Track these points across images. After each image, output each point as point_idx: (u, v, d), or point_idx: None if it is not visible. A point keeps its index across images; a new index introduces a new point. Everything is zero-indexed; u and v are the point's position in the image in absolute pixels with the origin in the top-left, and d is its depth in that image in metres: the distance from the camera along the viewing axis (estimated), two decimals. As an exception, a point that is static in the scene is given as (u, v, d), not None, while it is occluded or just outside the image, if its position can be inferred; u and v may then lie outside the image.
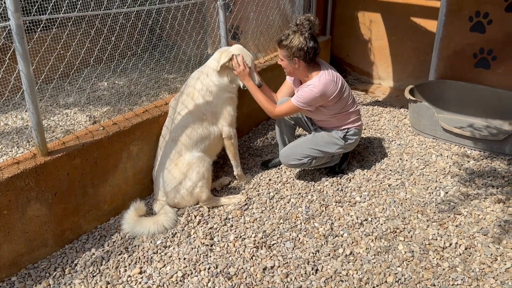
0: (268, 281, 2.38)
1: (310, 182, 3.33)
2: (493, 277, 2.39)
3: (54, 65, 2.83)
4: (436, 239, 2.68)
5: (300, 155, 3.18)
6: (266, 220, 2.90)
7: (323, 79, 2.99)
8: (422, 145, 3.88)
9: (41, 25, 2.41)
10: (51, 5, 2.48)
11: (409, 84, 4.41)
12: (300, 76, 3.13)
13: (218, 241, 2.71)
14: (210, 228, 2.82)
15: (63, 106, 4.28)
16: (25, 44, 2.16)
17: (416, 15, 4.92)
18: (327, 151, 3.21)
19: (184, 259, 2.55)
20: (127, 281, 2.41)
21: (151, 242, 2.69)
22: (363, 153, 3.76)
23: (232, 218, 2.93)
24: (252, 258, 2.56)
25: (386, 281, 2.38)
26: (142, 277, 2.43)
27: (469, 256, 2.55)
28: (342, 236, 2.73)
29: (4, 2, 2.09)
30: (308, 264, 2.50)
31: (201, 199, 2.99)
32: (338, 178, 3.37)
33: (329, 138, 3.23)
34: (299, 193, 3.19)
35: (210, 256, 2.57)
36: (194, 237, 2.74)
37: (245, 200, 3.09)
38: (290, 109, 3.10)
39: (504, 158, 3.58)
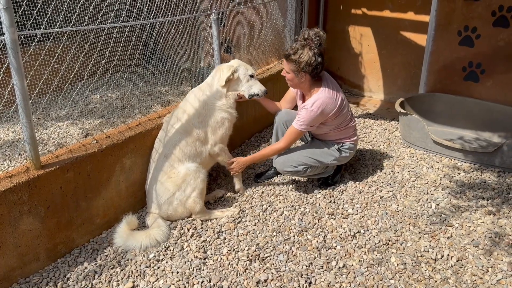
0: (261, 294, 2.38)
1: (303, 195, 3.34)
2: (485, 289, 2.41)
3: (48, 78, 2.84)
4: (428, 251, 2.70)
5: (296, 162, 3.20)
6: (259, 232, 2.90)
7: (321, 97, 3.03)
8: (413, 157, 3.92)
9: (36, 40, 2.42)
10: (45, 19, 2.50)
11: (400, 97, 4.47)
12: (303, 89, 3.18)
13: (211, 254, 2.70)
14: (203, 241, 2.82)
15: (55, 119, 4.27)
16: (19, 58, 2.17)
17: (406, 29, 5.00)
18: (322, 161, 3.24)
19: (177, 272, 2.54)
20: (120, 295, 2.39)
21: (143, 255, 2.68)
22: (355, 165, 3.78)
23: (225, 231, 2.92)
24: (245, 271, 2.56)
25: (379, 294, 2.39)
26: (135, 291, 2.42)
27: (461, 268, 2.57)
28: (335, 249, 2.74)
29: (-1, 17, 2.10)
30: (301, 277, 2.51)
31: (195, 210, 2.99)
32: (331, 190, 3.39)
33: (325, 148, 3.28)
34: (292, 206, 3.20)
35: (203, 270, 2.57)
36: (187, 251, 2.73)
37: (238, 213, 3.09)
38: (295, 135, 3.14)
39: (494, 170, 3.63)
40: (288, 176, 3.58)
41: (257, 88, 3.20)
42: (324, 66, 3.05)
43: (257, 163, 3.44)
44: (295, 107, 3.55)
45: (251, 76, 3.18)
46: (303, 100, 3.25)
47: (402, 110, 4.06)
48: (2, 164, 3.52)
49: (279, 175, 3.62)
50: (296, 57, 2.97)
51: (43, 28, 2.39)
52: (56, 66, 2.87)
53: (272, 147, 3.25)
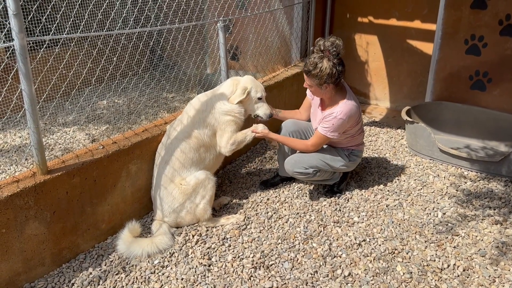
0: (266, 302, 2.37)
1: (308, 202, 3.33)
2: (492, 299, 2.38)
3: (56, 84, 2.86)
4: (434, 260, 2.68)
5: (307, 164, 3.19)
6: (264, 240, 2.89)
7: (349, 105, 3.06)
8: (419, 165, 3.90)
9: (44, 45, 2.44)
10: (54, 25, 2.52)
11: (406, 105, 4.46)
12: (326, 97, 3.17)
13: (216, 261, 2.69)
14: (208, 248, 2.81)
15: (62, 124, 4.30)
16: (28, 64, 2.18)
17: (412, 38, 5.00)
18: (332, 165, 3.24)
19: (182, 279, 2.53)
20: (124, 302, 2.38)
21: (148, 261, 2.67)
22: (361, 173, 3.77)
23: (230, 237, 2.92)
24: (250, 278, 2.55)
25: (384, 303, 2.37)
26: (139, 298, 2.41)
27: (468, 277, 2.54)
28: (340, 257, 2.73)
29: (9, 23, 2.12)
30: (306, 285, 2.49)
31: (204, 218, 2.99)
32: (336, 198, 3.38)
33: (336, 153, 3.29)
34: (298, 213, 3.19)
35: (208, 277, 2.56)
36: (192, 257, 2.72)
37: (244, 220, 3.08)
38: (323, 140, 3.15)
39: (500, 180, 3.60)
40: (296, 183, 3.57)
41: (262, 111, 3.22)
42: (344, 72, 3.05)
43: (275, 146, 3.39)
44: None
45: (259, 98, 3.20)
46: (322, 106, 3.25)
47: (409, 118, 4.05)
48: (9, 169, 3.54)
49: (285, 182, 3.62)
50: (317, 71, 2.96)
51: (52, 34, 2.41)
52: (64, 72, 2.89)
53: (302, 142, 3.22)
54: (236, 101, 3.07)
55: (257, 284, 2.49)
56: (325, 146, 3.36)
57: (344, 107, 3.05)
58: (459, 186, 3.53)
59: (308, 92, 3.43)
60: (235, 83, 3.16)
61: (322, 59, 2.96)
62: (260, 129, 3.20)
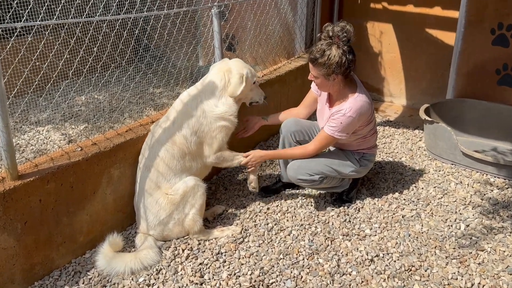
0: (266, 326, 2.37)
1: (314, 212, 3.33)
2: (522, 323, 2.38)
3: (28, 77, 2.85)
4: (457, 279, 2.68)
5: (312, 170, 3.18)
6: (264, 255, 2.89)
7: (360, 100, 3.05)
8: (440, 171, 3.91)
9: (15, 33, 2.44)
10: (27, 11, 2.52)
11: (424, 103, 4.47)
12: (333, 91, 3.16)
13: (209, 279, 2.69)
14: (200, 263, 2.81)
15: (35, 123, 4.29)
16: (-3, 54, 2.18)
17: (432, 27, 5.01)
18: (341, 171, 3.24)
19: (170, 299, 2.53)
20: (105, 325, 2.38)
21: (132, 279, 2.67)
22: (373, 180, 3.78)
23: (225, 252, 2.92)
24: (247, 298, 2.55)
25: (400, 327, 2.37)
26: (122, 320, 2.41)
27: (494, 298, 2.55)
28: (350, 274, 2.73)
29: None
30: (311, 306, 2.49)
31: (193, 230, 2.99)
32: (346, 207, 3.38)
33: (345, 158, 3.29)
34: (302, 224, 3.19)
35: (200, 296, 2.56)
36: (181, 274, 2.72)
37: (241, 232, 3.08)
38: (327, 141, 3.14)
39: (531, 187, 3.61)
40: (300, 191, 3.57)
41: (258, 95, 3.27)
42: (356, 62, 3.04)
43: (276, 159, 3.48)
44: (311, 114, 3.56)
45: (254, 82, 3.23)
46: (330, 103, 3.25)
47: (427, 118, 4.06)
48: (-26, 173, 3.53)
49: (287, 189, 3.62)
50: (324, 60, 2.95)
51: (24, 20, 2.41)
52: (37, 64, 2.89)
53: (301, 148, 3.24)
54: (238, 91, 3.05)
55: (255, 305, 2.49)
56: (332, 149, 3.36)
57: (354, 103, 3.04)
58: (484, 194, 3.54)
59: (313, 85, 3.42)
60: (224, 71, 3.11)
61: (330, 46, 2.95)
62: (250, 162, 3.22)
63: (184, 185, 2.94)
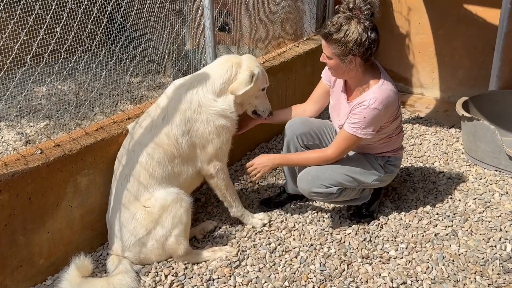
0: None
1: (327, 229, 3.34)
2: None
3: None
4: (501, 311, 2.69)
5: (329, 181, 3.17)
6: (265, 282, 2.90)
7: (385, 90, 3.03)
8: (481, 179, 3.92)
9: (-39, 10, 2.44)
10: (-25, -17, 2.52)
11: (462, 95, 4.47)
12: (351, 79, 3.15)
13: (198, 311, 2.70)
14: (187, 292, 2.82)
15: (-15, 119, 4.30)
16: None
17: (471, 2, 5.03)
18: (362, 181, 3.24)
19: (151, 336, 2.54)
20: None
21: (104, 311, 2.67)
22: (399, 190, 3.78)
23: (218, 278, 2.92)
24: (245, 335, 2.55)
25: None
26: None
27: (548, 335, 2.55)
28: (371, 306, 2.74)
29: None
30: None
31: (177, 253, 2.99)
32: (366, 224, 3.39)
33: (367, 164, 3.28)
34: (312, 245, 3.20)
35: (186, 333, 2.56)
36: (164, 306, 2.73)
37: (237, 254, 3.08)
38: (350, 142, 3.12)
39: None
40: (309, 203, 3.58)
41: (263, 106, 3.34)
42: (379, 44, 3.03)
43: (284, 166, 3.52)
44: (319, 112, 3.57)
45: (263, 89, 3.27)
46: (348, 94, 3.24)
47: (466, 114, 4.07)
48: None
49: (294, 201, 3.62)
50: (340, 36, 2.93)
51: (-29, -6, 2.41)
52: (-13, 47, 2.89)
53: (318, 152, 3.24)
54: (242, 91, 3.07)
55: None
56: (351, 154, 3.36)
57: (379, 92, 3.02)
58: (535, 207, 3.55)
59: (324, 74, 3.42)
60: (233, 63, 3.14)
61: (349, 20, 2.93)
62: (256, 171, 3.29)
63: (162, 199, 2.94)
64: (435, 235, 3.28)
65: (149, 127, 3.02)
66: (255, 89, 3.18)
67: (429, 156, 4.31)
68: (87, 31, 3.11)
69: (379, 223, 3.41)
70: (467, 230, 3.33)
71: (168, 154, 2.99)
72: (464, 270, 2.98)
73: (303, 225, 3.39)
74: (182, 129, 3.01)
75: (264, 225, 3.35)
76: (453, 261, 3.05)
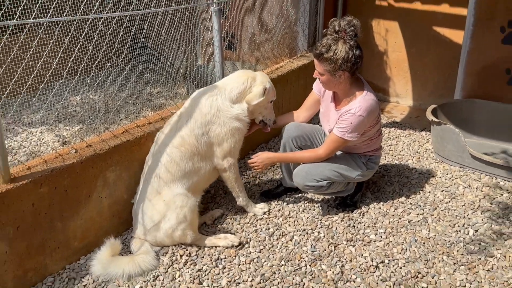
0: (266, 335, 2.37)
1: (317, 217, 3.34)
2: (532, 332, 2.38)
3: (21, 77, 2.86)
4: (465, 286, 2.68)
5: (319, 176, 3.19)
6: (265, 261, 2.89)
7: (368, 99, 3.05)
8: (447, 174, 3.91)
9: (8, 32, 2.45)
10: (20, 9, 2.52)
11: (432, 103, 4.47)
12: (340, 90, 3.16)
13: (208, 286, 2.70)
14: (199, 270, 2.81)
15: (28, 124, 4.30)
16: (-12, 53, 2.19)
17: (439, 24, 5.02)
18: (347, 176, 3.25)
19: (168, 307, 2.54)
20: (100, 333, 2.38)
21: (128, 286, 2.67)
22: (378, 183, 3.78)
23: (225, 258, 2.92)
24: (248, 306, 2.55)
25: (406, 336, 2.37)
26: (117, 329, 2.41)
27: (504, 306, 2.55)
28: (354, 282, 2.73)
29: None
30: (314, 314, 2.49)
31: (185, 242, 3.00)
32: (350, 212, 3.39)
33: (352, 162, 3.29)
34: (304, 229, 3.19)
35: (198, 304, 2.56)
36: (179, 281, 2.73)
37: (239, 243, 3.05)
38: (338, 144, 3.14)
39: (543, 191, 3.61)
40: (302, 194, 3.58)
41: (270, 116, 3.35)
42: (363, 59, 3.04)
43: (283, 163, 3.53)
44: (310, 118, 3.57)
45: (271, 101, 3.30)
46: (336, 103, 3.25)
47: (435, 119, 4.06)
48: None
49: (289, 193, 3.62)
50: (330, 55, 2.94)
51: (17, 18, 2.42)
52: (30, 63, 2.89)
53: (311, 152, 3.25)
54: (255, 102, 3.10)
55: (256, 313, 2.49)
56: (338, 153, 3.36)
57: (363, 102, 3.04)
58: (494, 198, 3.54)
59: (315, 86, 3.43)
60: (249, 77, 3.17)
61: (336, 41, 2.95)
62: (257, 163, 3.29)
63: (171, 194, 2.93)
64: (409, 222, 3.28)
65: (174, 128, 3.05)
66: (266, 101, 3.21)
67: (403, 155, 4.30)
68: (114, 49, 3.11)
69: (361, 212, 3.40)
70: (435, 218, 3.33)
71: (189, 152, 3.01)
72: (433, 251, 2.98)
73: (297, 213, 3.39)
74: (203, 130, 3.03)
75: (264, 213, 3.35)
76: (424, 243, 3.05)
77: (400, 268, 2.83)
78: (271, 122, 3.38)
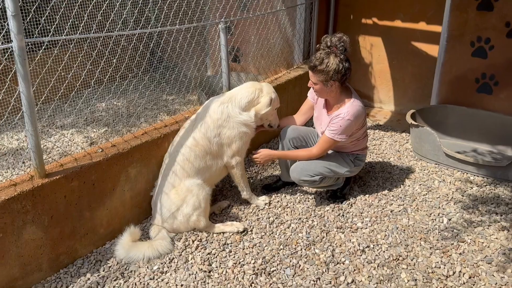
0: (267, 309, 2.37)
1: (311, 207, 3.34)
2: (498, 307, 2.38)
3: (54, 86, 2.88)
4: (440, 267, 2.68)
5: (313, 172, 3.20)
6: (266, 246, 2.90)
7: (355, 105, 3.06)
8: (425, 170, 3.91)
9: (43, 47, 2.46)
10: (53, 27, 2.54)
11: (411, 109, 4.46)
12: (331, 98, 3.16)
13: (217, 267, 2.70)
14: (208, 253, 2.82)
15: (60, 127, 4.31)
16: (26, 66, 2.20)
17: (417, 40, 5.01)
18: (337, 172, 3.25)
19: (181, 285, 2.54)
20: (123, 308, 2.39)
21: (147, 267, 2.68)
22: (364, 178, 3.78)
23: (231, 243, 2.92)
24: (251, 285, 2.55)
25: (388, 311, 2.37)
26: (138, 304, 2.42)
27: (473, 285, 2.55)
28: (343, 263, 2.73)
29: (8, 24, 2.14)
30: (308, 292, 2.50)
31: (199, 227, 3.00)
32: (339, 203, 3.39)
33: (341, 159, 3.30)
34: (300, 218, 3.19)
35: (208, 283, 2.56)
36: (191, 263, 2.73)
37: (244, 229, 3.05)
38: (329, 144, 3.14)
39: (507, 185, 3.60)
40: (298, 188, 3.58)
41: (275, 121, 3.38)
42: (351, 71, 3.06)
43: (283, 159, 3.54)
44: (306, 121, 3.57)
45: (276, 109, 3.31)
46: (328, 109, 3.25)
47: (413, 122, 4.06)
48: (6, 172, 3.55)
49: (287, 186, 3.63)
50: (323, 67, 2.96)
51: (51, 35, 2.43)
52: (62, 74, 2.91)
53: (306, 151, 3.26)
54: (264, 111, 3.14)
55: (258, 291, 2.50)
56: (330, 152, 3.37)
57: (351, 107, 3.05)
58: (465, 191, 3.54)
59: (309, 93, 3.44)
60: (257, 88, 3.18)
61: (329, 55, 2.96)
62: (259, 158, 3.31)
63: (189, 184, 2.94)
64: (391, 212, 3.28)
65: (189, 131, 3.06)
66: (272, 109, 3.23)
67: (386, 153, 4.30)
68: (135, 62, 3.12)
69: (349, 203, 3.40)
70: (414, 208, 3.33)
71: (202, 152, 3.01)
72: (412, 237, 2.98)
73: (293, 204, 3.39)
74: (215, 132, 3.04)
75: (265, 204, 3.36)
76: (404, 230, 3.05)
77: (384, 252, 2.83)
78: (275, 125, 3.41)
